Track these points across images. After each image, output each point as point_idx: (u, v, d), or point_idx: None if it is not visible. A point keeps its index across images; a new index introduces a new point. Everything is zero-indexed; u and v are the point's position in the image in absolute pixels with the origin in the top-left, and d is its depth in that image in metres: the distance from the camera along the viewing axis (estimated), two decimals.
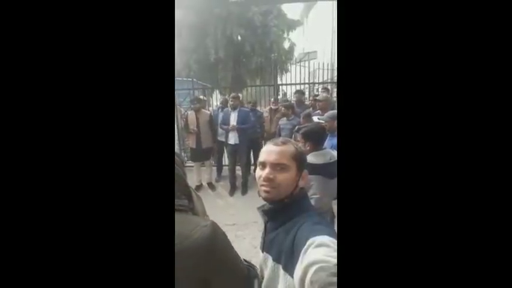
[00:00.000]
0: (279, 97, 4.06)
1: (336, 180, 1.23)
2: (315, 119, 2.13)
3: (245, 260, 0.65)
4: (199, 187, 3.33)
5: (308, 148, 1.41)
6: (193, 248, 0.51)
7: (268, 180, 0.60)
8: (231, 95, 3.20)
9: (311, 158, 1.36)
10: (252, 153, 3.47)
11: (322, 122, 1.75)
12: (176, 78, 5.68)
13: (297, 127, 1.56)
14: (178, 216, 0.54)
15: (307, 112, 2.53)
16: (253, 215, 2.36)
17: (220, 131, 3.28)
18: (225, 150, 3.48)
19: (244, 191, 3.21)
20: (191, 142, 3.28)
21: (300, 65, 4.77)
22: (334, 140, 1.69)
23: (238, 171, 3.32)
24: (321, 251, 0.47)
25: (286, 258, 0.55)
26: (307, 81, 5.21)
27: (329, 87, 4.33)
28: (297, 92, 3.59)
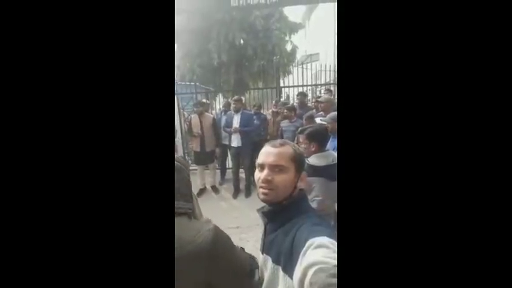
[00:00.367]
0: (281, 99, 4.05)
1: None
2: (318, 120, 2.12)
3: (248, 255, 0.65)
4: (202, 190, 3.34)
5: (313, 149, 1.38)
6: (197, 253, 0.51)
7: (266, 181, 0.60)
8: (234, 98, 3.21)
9: (313, 160, 1.35)
10: (255, 156, 3.44)
11: (325, 123, 1.74)
12: (179, 83, 5.76)
13: (300, 128, 1.55)
14: (181, 220, 0.55)
15: (309, 114, 2.53)
16: (256, 218, 2.31)
17: (223, 134, 3.29)
18: (229, 153, 3.48)
19: (247, 194, 3.20)
20: (195, 145, 3.29)
21: (303, 67, 4.77)
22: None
23: (242, 174, 3.32)
24: (320, 252, 0.46)
25: (286, 259, 0.54)
26: (309, 83, 5.20)
27: (332, 88, 4.32)
28: (300, 94, 3.59)
